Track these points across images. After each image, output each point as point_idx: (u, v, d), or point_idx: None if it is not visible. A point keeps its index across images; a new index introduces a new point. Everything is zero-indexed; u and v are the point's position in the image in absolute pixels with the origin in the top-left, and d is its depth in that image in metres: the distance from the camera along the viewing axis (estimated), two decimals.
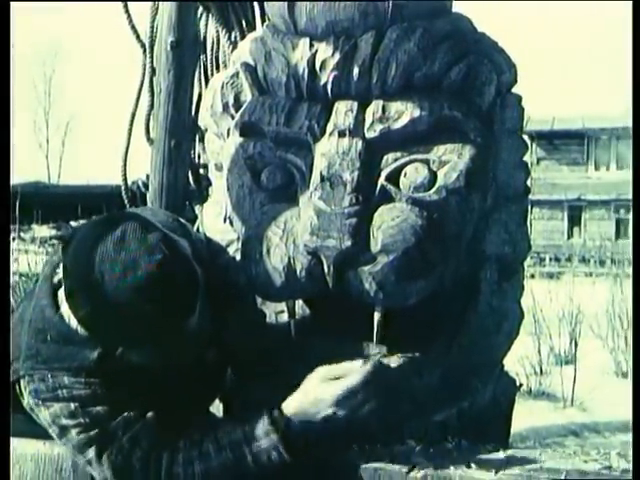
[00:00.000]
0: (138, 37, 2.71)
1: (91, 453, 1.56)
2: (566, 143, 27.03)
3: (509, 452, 1.70)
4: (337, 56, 1.75)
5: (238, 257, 1.83)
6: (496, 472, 1.58)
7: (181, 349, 1.57)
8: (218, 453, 1.55)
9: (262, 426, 1.56)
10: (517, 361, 5.01)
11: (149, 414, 1.57)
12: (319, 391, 1.57)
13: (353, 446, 1.70)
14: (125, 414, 1.56)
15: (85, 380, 1.57)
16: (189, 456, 1.55)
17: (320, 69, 1.77)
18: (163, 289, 1.47)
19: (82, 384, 1.57)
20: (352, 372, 1.57)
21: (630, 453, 1.67)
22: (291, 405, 1.58)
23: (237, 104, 1.91)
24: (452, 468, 1.59)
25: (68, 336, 1.58)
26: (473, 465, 1.59)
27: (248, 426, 1.57)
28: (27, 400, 1.61)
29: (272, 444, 1.55)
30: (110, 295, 1.44)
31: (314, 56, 1.77)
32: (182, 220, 1.83)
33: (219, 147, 1.97)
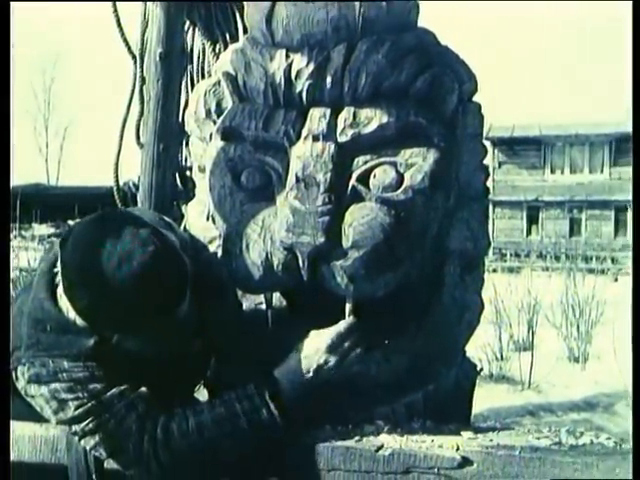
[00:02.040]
0: (129, 49, 2.69)
1: (87, 422, 1.54)
2: (525, 149, 27.16)
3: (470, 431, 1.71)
4: (311, 66, 1.74)
5: (220, 253, 1.82)
6: (457, 449, 1.58)
7: (173, 336, 1.57)
8: (211, 409, 1.56)
9: (253, 385, 1.58)
10: (480, 348, 5.05)
11: (142, 388, 1.57)
12: (312, 343, 1.63)
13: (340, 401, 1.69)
14: (121, 387, 1.55)
15: (83, 364, 1.56)
16: (184, 414, 1.56)
17: (295, 78, 1.76)
18: (156, 277, 1.47)
19: (80, 367, 1.56)
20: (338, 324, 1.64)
21: (579, 430, 1.68)
22: (284, 366, 1.62)
23: (219, 110, 1.90)
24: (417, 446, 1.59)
25: (66, 326, 1.57)
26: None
27: (240, 388, 1.58)
28: (22, 384, 1.59)
29: (262, 402, 1.56)
30: (107, 286, 1.43)
31: (290, 66, 1.76)
32: (167, 219, 1.81)
33: (202, 150, 1.95)
